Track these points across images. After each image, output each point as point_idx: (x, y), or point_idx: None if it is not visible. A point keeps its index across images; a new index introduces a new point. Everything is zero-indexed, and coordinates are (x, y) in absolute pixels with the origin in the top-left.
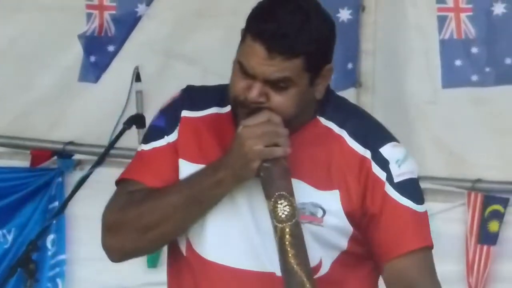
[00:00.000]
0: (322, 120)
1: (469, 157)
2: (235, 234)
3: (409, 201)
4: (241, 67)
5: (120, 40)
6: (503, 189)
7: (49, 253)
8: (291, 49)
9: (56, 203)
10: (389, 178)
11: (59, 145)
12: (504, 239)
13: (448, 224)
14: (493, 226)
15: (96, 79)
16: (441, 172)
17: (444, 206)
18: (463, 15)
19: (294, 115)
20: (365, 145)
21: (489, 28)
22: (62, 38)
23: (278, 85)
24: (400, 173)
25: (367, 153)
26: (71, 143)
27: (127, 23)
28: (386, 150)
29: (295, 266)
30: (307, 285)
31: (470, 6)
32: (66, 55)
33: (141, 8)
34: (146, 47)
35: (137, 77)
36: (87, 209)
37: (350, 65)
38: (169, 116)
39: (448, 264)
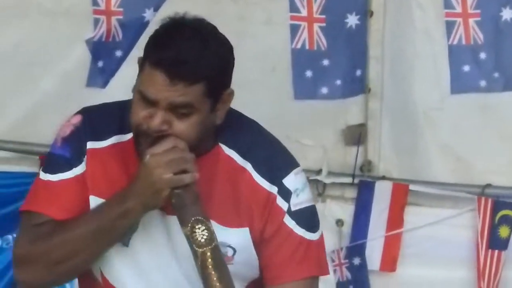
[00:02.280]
0: (224, 148)
1: (477, 163)
2: (153, 266)
3: (303, 229)
4: (142, 97)
5: (128, 45)
6: None
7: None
8: (193, 75)
9: None
10: (289, 209)
11: None
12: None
13: (457, 230)
14: (503, 231)
15: (104, 84)
16: (449, 178)
17: (453, 212)
18: (471, 20)
19: (197, 142)
20: (271, 180)
21: (497, 34)
22: (68, 43)
23: (180, 112)
24: (298, 202)
25: (273, 189)
26: None
27: (134, 28)
28: (289, 180)
29: None
30: None
31: (478, 11)
32: (72, 60)
33: (148, 14)
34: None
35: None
36: None
37: (358, 72)
38: (73, 146)
39: (459, 271)
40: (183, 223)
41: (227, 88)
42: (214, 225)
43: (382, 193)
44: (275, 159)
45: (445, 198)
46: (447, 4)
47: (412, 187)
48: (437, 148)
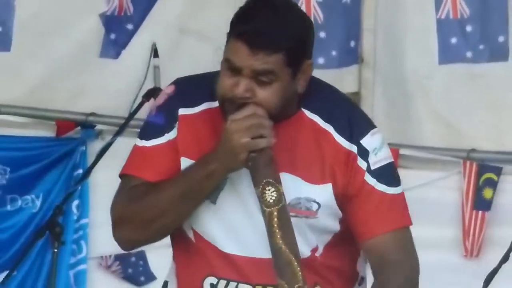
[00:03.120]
0: (307, 113)
1: (464, 128)
2: (241, 221)
3: (384, 185)
4: (228, 64)
5: (138, 19)
6: (496, 159)
7: (74, 217)
8: (271, 45)
9: (80, 171)
10: (368, 167)
11: (82, 116)
12: (497, 205)
13: (444, 191)
14: (487, 193)
15: (116, 55)
16: (438, 143)
17: (441, 175)
18: None
19: (279, 108)
20: (350, 139)
21: (483, 8)
22: (82, 15)
23: (262, 80)
24: (376, 160)
25: (353, 148)
26: (93, 114)
27: (144, 3)
28: (366, 141)
29: (283, 246)
30: (295, 263)
31: None
32: (86, 31)
33: None
34: (162, 25)
35: (155, 53)
36: (109, 176)
37: (352, 43)
38: (167, 114)
39: (445, 230)
40: (255, 184)
41: (308, 59)
42: (301, 181)
43: None
44: (353, 122)
45: (433, 162)
46: None
47: (402, 151)
48: (427, 115)
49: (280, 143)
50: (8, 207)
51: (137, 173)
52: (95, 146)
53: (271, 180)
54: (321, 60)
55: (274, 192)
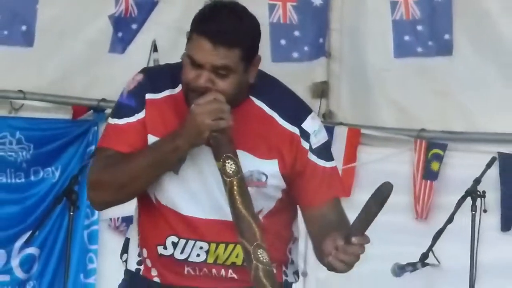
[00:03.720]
0: (255, 100)
1: (415, 112)
2: (200, 189)
3: (323, 161)
4: (191, 60)
5: (141, 20)
6: (442, 137)
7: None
8: (231, 42)
9: (92, 147)
10: (310, 147)
11: (94, 102)
12: (443, 176)
13: (399, 164)
14: (434, 166)
15: (123, 50)
16: (393, 124)
17: (395, 151)
18: (410, 1)
19: (234, 96)
20: (293, 123)
21: (431, 11)
22: (94, 17)
23: (220, 72)
24: (316, 141)
25: (295, 130)
26: (103, 100)
27: (146, 6)
28: (307, 124)
29: (243, 210)
30: (253, 225)
31: None
32: (97, 30)
33: None
34: (162, 25)
35: (155, 49)
36: None
37: (321, 40)
38: (137, 97)
39: (400, 197)
40: (217, 158)
41: (257, 54)
42: (252, 157)
43: (340, 136)
44: (295, 108)
45: (389, 140)
46: None
47: (363, 131)
48: (384, 100)
49: (235, 125)
50: (32, 178)
51: (111, 146)
52: (104, 126)
53: (230, 155)
54: (295, 55)
55: (233, 165)
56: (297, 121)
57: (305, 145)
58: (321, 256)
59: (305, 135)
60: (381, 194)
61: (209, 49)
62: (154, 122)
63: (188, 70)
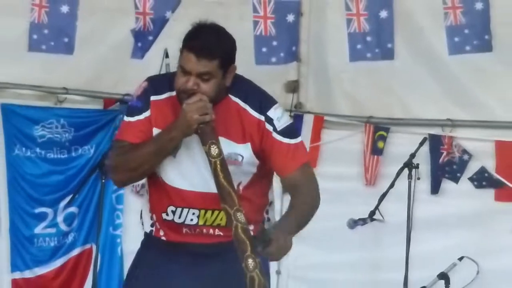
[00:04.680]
0: (232, 97)
1: (365, 103)
2: (192, 170)
3: (288, 139)
4: (181, 69)
5: (156, 33)
6: (385, 122)
7: None
8: (211, 55)
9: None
10: (275, 129)
11: (120, 95)
12: (386, 152)
13: (353, 144)
14: (380, 144)
15: (142, 56)
16: (348, 112)
17: (350, 133)
18: (362, 18)
19: (215, 95)
20: (260, 112)
21: (377, 25)
22: (120, 31)
23: (204, 78)
24: (280, 124)
25: (261, 117)
26: (127, 94)
27: (160, 23)
28: (271, 112)
29: (224, 183)
30: (233, 194)
31: (366, 12)
32: (122, 41)
33: (168, 14)
34: (172, 37)
35: (166, 55)
36: None
37: (293, 48)
38: (143, 100)
39: (353, 168)
40: (203, 144)
41: (232, 63)
42: (229, 142)
43: (308, 122)
44: (262, 101)
45: (345, 124)
46: (347, 8)
47: (326, 118)
48: (341, 94)
49: (217, 118)
50: (73, 154)
51: (125, 138)
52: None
53: (214, 141)
54: (273, 59)
55: (216, 149)
56: (263, 110)
57: (269, 127)
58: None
59: (269, 120)
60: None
61: (195, 61)
62: (157, 118)
63: (179, 77)
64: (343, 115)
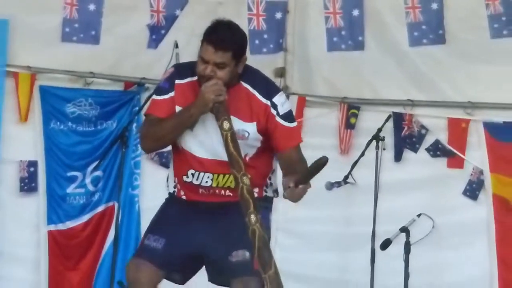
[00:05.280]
0: (243, 83)
1: (341, 86)
2: (206, 139)
3: (287, 122)
4: (201, 58)
5: (167, 27)
6: (357, 102)
7: (133, 132)
8: (225, 47)
9: (137, 108)
10: (278, 113)
11: (138, 79)
12: (358, 126)
13: (330, 120)
14: (352, 120)
15: (156, 47)
16: (326, 94)
17: (328, 111)
18: (337, 16)
19: (229, 80)
20: (266, 98)
21: (350, 22)
22: (139, 26)
23: (219, 66)
24: (283, 109)
25: (268, 102)
26: (143, 78)
27: (171, 19)
28: (276, 99)
29: (234, 152)
30: (240, 161)
31: (341, 10)
32: (139, 33)
33: (178, 12)
34: (181, 31)
35: (176, 46)
36: None
37: (280, 40)
38: (170, 82)
39: (329, 139)
40: (217, 119)
41: (244, 55)
42: (238, 120)
43: (292, 101)
44: (268, 88)
45: (324, 104)
46: (325, 7)
47: (308, 98)
48: (321, 79)
49: (229, 100)
50: (98, 127)
51: (153, 112)
52: (144, 95)
53: (226, 117)
54: (264, 50)
55: (228, 123)
56: (270, 96)
57: (273, 112)
58: (283, 186)
59: (274, 105)
60: (320, 162)
61: (212, 52)
62: (180, 98)
63: (199, 65)
64: (321, 96)
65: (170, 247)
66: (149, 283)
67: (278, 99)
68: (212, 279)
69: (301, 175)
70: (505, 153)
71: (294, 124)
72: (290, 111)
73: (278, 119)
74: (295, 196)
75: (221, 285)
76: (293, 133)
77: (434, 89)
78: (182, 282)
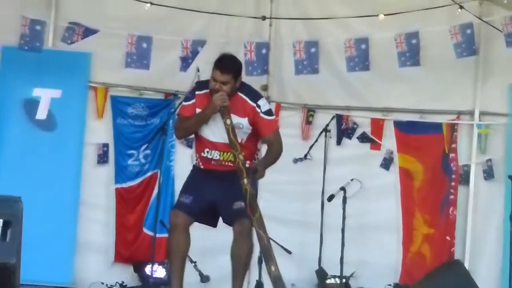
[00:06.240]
0: (239, 94)
1: (304, 96)
2: (216, 129)
3: (269, 116)
4: (212, 78)
5: (193, 58)
6: (313, 107)
7: (170, 125)
8: (228, 71)
9: (172, 110)
10: (261, 111)
11: (173, 91)
12: (313, 123)
13: (295, 119)
14: (310, 118)
15: (185, 70)
16: (294, 101)
17: (295, 113)
18: (302, 51)
19: (230, 93)
20: (253, 102)
21: (310, 56)
22: (174, 56)
23: (224, 83)
24: (264, 108)
25: (254, 105)
26: (176, 91)
27: (195, 53)
28: (260, 102)
29: (233, 138)
30: (237, 144)
31: (304, 48)
32: (174, 62)
33: (199, 48)
34: (201, 60)
35: (198, 70)
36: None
37: (265, 67)
38: (192, 93)
39: (295, 130)
40: (222, 117)
41: (240, 75)
42: (236, 117)
43: (272, 106)
44: (255, 96)
45: (292, 108)
46: (294, 45)
47: (282, 104)
48: (291, 92)
49: (230, 105)
50: (148, 122)
51: (182, 113)
52: (177, 102)
53: (228, 116)
54: (254, 73)
55: (229, 120)
56: (256, 100)
57: (258, 110)
58: (253, 168)
59: (258, 106)
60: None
61: (219, 74)
62: (199, 103)
63: (211, 82)
64: (291, 103)
65: (195, 201)
66: (184, 226)
67: (261, 102)
68: (224, 220)
69: (263, 164)
70: (407, 141)
71: (273, 117)
72: (269, 109)
73: (261, 114)
74: (257, 177)
75: (229, 225)
76: (271, 124)
77: (363, 99)
78: (213, 225)
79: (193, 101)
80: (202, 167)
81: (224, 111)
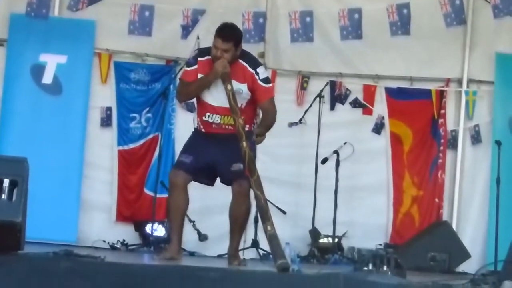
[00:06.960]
0: (239, 61)
1: (298, 63)
2: (217, 94)
3: (266, 84)
4: (214, 46)
5: (193, 26)
6: (308, 74)
7: (171, 90)
8: (230, 39)
9: (173, 75)
10: (259, 78)
11: (174, 58)
12: (308, 89)
13: (291, 84)
14: (305, 85)
15: (186, 38)
16: (289, 68)
17: (290, 79)
18: (297, 20)
19: (231, 60)
20: (253, 68)
21: (305, 24)
22: (175, 24)
23: (225, 51)
24: (263, 76)
25: (253, 72)
26: (177, 57)
27: (195, 21)
28: (259, 70)
29: (233, 103)
30: (237, 109)
31: (299, 17)
32: (176, 30)
33: (199, 17)
34: (201, 29)
35: (198, 38)
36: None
37: (262, 35)
38: (194, 59)
39: (291, 96)
40: (223, 82)
41: (240, 44)
42: (236, 83)
43: (269, 72)
44: (255, 63)
45: (288, 75)
46: (289, 15)
47: (278, 71)
48: (286, 59)
49: (231, 71)
50: (150, 87)
51: (184, 78)
52: (178, 68)
53: (229, 82)
54: (252, 41)
55: (230, 85)
56: (255, 68)
57: (257, 77)
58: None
59: (257, 73)
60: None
61: (221, 42)
62: (201, 69)
63: (213, 49)
64: (286, 69)
65: (195, 161)
66: (183, 184)
67: (260, 69)
68: (222, 180)
69: (263, 129)
70: (398, 107)
71: (270, 85)
72: (267, 77)
73: (259, 82)
74: (258, 142)
75: (227, 185)
76: (268, 91)
77: (355, 66)
78: (210, 183)
79: (196, 66)
80: (203, 130)
81: (225, 77)
